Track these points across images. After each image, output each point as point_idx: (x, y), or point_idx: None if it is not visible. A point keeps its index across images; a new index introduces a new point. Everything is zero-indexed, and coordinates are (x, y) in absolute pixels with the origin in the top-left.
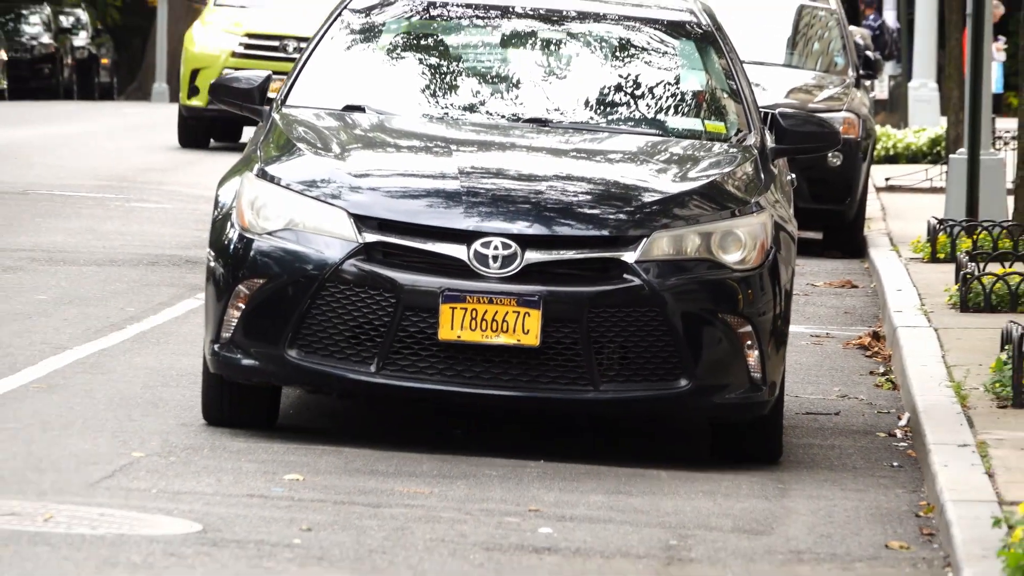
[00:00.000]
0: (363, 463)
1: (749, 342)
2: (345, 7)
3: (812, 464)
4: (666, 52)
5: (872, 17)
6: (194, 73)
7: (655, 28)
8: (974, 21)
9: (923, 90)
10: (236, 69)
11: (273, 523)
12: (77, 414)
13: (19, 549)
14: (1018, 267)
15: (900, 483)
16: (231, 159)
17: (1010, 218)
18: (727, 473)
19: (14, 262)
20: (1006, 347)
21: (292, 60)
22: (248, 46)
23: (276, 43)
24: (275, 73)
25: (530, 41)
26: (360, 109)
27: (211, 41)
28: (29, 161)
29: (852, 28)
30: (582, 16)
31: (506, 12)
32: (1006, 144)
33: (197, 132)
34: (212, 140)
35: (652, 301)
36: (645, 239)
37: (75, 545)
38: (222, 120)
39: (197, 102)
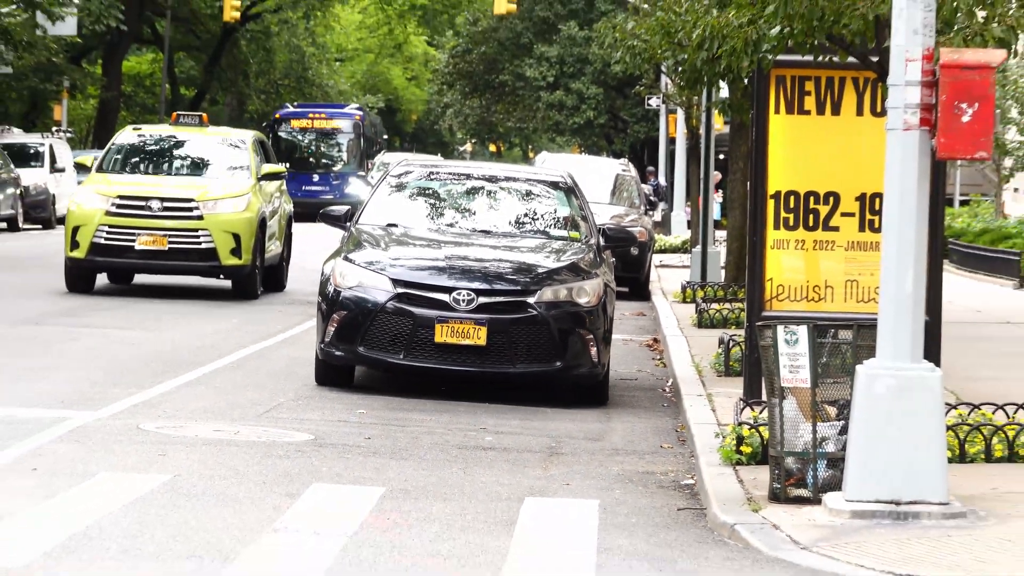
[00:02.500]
0: (396, 404)
1: (592, 343)
2: (388, 174)
3: (623, 405)
4: (549, 196)
5: (652, 180)
6: (75, 229)
7: (544, 185)
8: (704, 182)
9: (678, 216)
10: (109, 226)
11: (350, 435)
12: (250, 379)
13: (221, 448)
14: (726, 306)
15: (668, 415)
16: (314, 259)
17: (723, 281)
18: (581, 410)
19: (214, 304)
20: (720, 346)
21: (157, 217)
22: (119, 206)
23: (143, 203)
24: (141, 228)
25: (480, 190)
26: (395, 226)
27: (89, 202)
28: None
29: (643, 185)
30: (507, 179)
31: (468, 176)
32: (692, 245)
33: (79, 279)
34: (110, 283)
35: (543, 323)
36: (539, 291)
37: (250, 446)
38: (103, 269)
39: (77, 254)
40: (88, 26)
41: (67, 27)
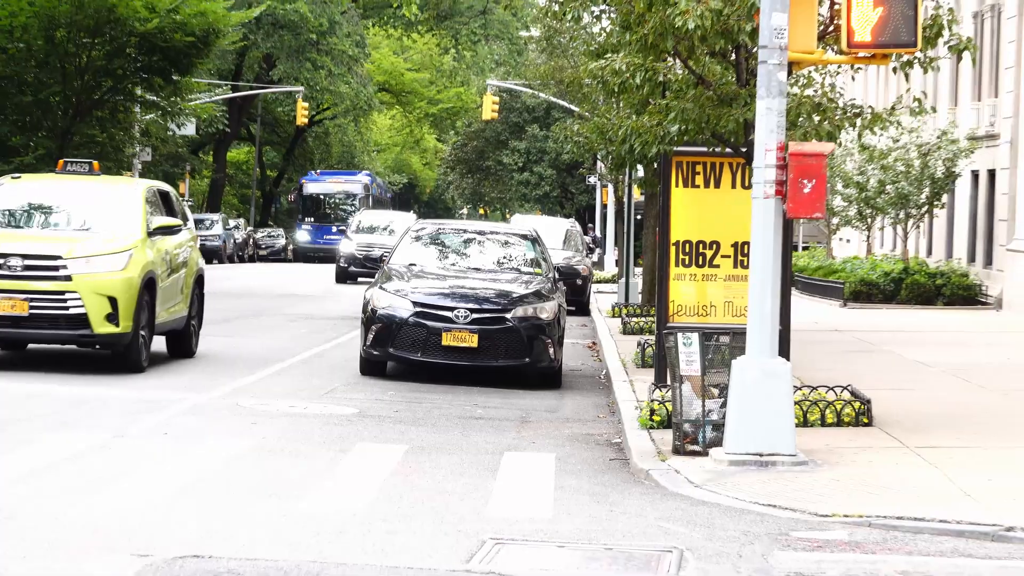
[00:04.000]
0: (415, 388)
1: (550, 345)
2: (409, 229)
3: (572, 388)
4: (520, 244)
5: (591, 233)
6: None
7: (517, 236)
8: (627, 235)
9: (609, 257)
10: None
11: (384, 409)
12: (314, 372)
13: (295, 418)
14: (643, 320)
15: (603, 394)
16: (351, 289)
17: (640, 302)
18: (542, 391)
19: (289, 320)
20: (638, 347)
21: (16, 278)
22: None
23: (1, 261)
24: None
25: (473, 240)
26: (414, 265)
27: None
28: (287, 289)
29: (585, 236)
30: (491, 232)
31: (464, 231)
32: (619, 277)
33: None
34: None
35: (516, 331)
36: (513, 309)
37: (315, 416)
38: None
39: None
40: (203, 128)
41: (189, 129)
